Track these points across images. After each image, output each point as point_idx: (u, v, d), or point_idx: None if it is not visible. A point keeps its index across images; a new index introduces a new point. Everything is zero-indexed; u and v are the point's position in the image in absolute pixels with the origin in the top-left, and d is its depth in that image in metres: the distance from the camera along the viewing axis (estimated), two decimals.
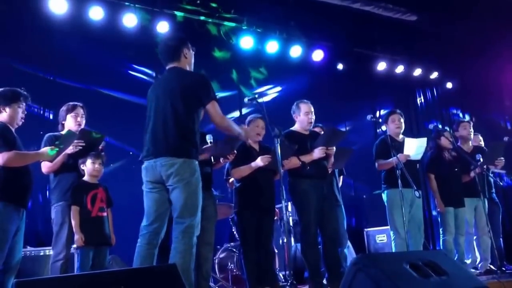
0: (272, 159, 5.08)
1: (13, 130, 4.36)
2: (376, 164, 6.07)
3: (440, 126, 9.74)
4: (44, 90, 6.72)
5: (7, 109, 4.30)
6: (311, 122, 5.60)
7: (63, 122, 4.85)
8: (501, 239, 6.75)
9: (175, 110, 3.88)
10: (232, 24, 8.50)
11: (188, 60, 4.19)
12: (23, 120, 4.44)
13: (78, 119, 4.81)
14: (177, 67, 4.11)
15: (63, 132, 4.74)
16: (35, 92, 6.30)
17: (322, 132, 5.83)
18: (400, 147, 5.90)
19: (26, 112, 4.48)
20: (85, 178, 4.67)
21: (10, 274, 4.16)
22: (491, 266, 6.40)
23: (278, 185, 4.76)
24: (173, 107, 3.89)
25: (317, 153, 5.35)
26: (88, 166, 4.65)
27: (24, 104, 4.43)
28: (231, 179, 5.52)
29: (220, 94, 8.51)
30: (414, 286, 3.40)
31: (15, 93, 4.38)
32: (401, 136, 6.20)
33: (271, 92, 9.24)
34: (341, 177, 6.42)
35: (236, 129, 4.20)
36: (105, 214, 4.65)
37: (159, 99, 3.99)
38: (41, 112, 6.82)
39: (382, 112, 9.96)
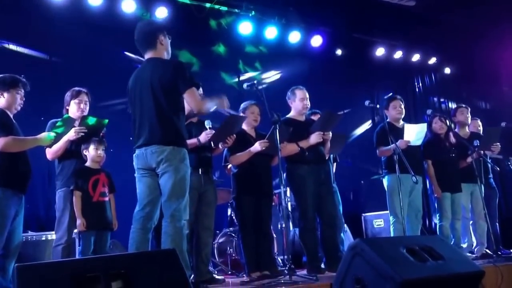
0: (269, 144, 5.12)
1: (11, 115, 4.37)
2: (377, 151, 6.11)
3: (437, 113, 9.76)
4: (44, 76, 6.71)
5: (5, 95, 4.33)
6: (306, 108, 5.64)
7: (67, 107, 4.87)
8: (497, 223, 6.82)
9: (158, 102, 3.94)
10: (231, 9, 8.49)
11: (165, 47, 4.17)
12: (21, 106, 4.46)
13: (82, 105, 4.83)
14: (155, 57, 4.12)
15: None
16: (35, 78, 6.34)
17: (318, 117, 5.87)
18: (400, 133, 5.94)
19: (24, 99, 4.49)
20: (87, 163, 4.70)
21: (10, 258, 4.20)
22: (487, 251, 6.47)
23: (277, 170, 4.79)
24: (156, 98, 3.94)
25: (314, 138, 5.39)
26: (91, 152, 4.68)
27: (22, 91, 4.45)
28: (229, 166, 5.55)
29: (219, 81, 8.55)
30: (411, 270, 3.44)
31: (14, 79, 4.40)
32: (401, 122, 6.24)
33: (270, 78, 9.23)
34: (335, 163, 6.45)
35: (214, 106, 4.22)
36: (106, 199, 4.68)
37: (142, 91, 4.02)
38: (41, 98, 6.81)
39: (381, 97, 9.97)
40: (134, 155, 4.05)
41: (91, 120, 4.68)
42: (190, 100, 3.99)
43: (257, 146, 5.19)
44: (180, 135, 3.99)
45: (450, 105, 10.70)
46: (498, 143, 6.51)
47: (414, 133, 5.92)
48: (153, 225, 4.01)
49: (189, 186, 4.02)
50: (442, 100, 10.89)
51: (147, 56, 4.17)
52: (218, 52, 8.68)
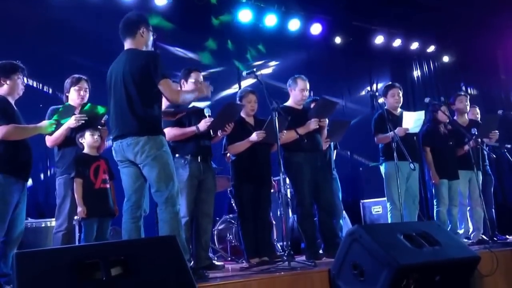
0: (266, 134, 5.13)
1: (13, 103, 4.37)
2: (375, 138, 6.13)
3: (435, 100, 9.79)
4: (43, 63, 6.70)
5: (8, 81, 4.32)
6: (304, 100, 5.67)
7: (67, 94, 4.86)
8: (493, 210, 6.87)
9: (129, 93, 3.92)
10: None
11: (145, 40, 4.15)
12: (23, 91, 4.46)
13: (81, 92, 4.81)
14: (132, 48, 4.11)
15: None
16: (34, 65, 6.33)
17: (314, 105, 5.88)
18: (398, 120, 5.98)
19: (25, 84, 4.49)
20: (86, 151, 4.68)
21: (12, 246, 4.21)
22: (483, 236, 6.53)
23: (275, 158, 4.81)
24: (127, 90, 3.93)
25: (311, 125, 5.41)
26: (88, 139, 4.65)
27: (22, 76, 4.44)
28: (229, 154, 5.57)
29: (218, 68, 8.54)
30: (407, 255, 3.49)
31: (13, 65, 4.39)
32: (399, 109, 6.26)
33: (269, 66, 9.24)
34: (335, 151, 6.48)
35: (194, 95, 4.22)
36: (108, 185, 4.68)
37: (117, 83, 4.02)
38: (40, 85, 6.82)
39: (380, 85, 9.98)
40: (112, 148, 4.07)
41: (92, 108, 4.66)
42: (164, 92, 3.96)
43: (253, 137, 5.21)
44: (153, 124, 3.96)
45: (448, 93, 10.72)
46: (497, 131, 6.55)
47: (413, 121, 5.96)
48: (143, 213, 4.03)
49: (175, 171, 4.01)
50: (440, 88, 10.90)
51: (126, 46, 4.16)
52: (218, 40, 8.67)
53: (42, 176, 6.53)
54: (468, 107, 6.95)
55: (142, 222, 4.03)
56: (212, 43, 8.55)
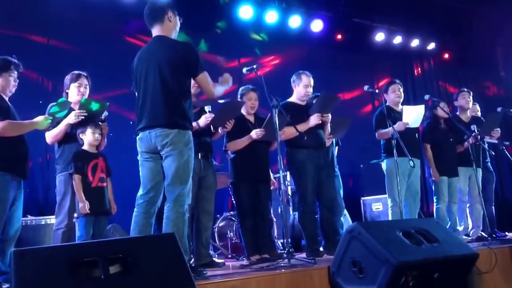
0: (266, 132, 5.12)
1: (6, 99, 4.32)
2: (376, 134, 6.14)
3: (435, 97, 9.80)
4: (43, 57, 6.70)
5: None
6: (307, 96, 5.64)
7: (67, 91, 4.82)
8: (493, 207, 6.87)
9: (165, 82, 3.86)
10: None
11: (173, 25, 4.09)
12: (15, 88, 4.41)
13: (81, 89, 4.78)
14: (162, 36, 4.04)
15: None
16: (33, 60, 6.34)
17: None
18: (399, 116, 5.99)
19: (18, 81, 4.43)
20: (85, 147, 4.64)
21: (9, 243, 4.20)
22: (483, 233, 6.53)
23: (276, 155, 4.80)
24: (162, 79, 3.86)
25: (313, 120, 5.40)
26: (88, 136, 4.60)
27: (15, 72, 4.38)
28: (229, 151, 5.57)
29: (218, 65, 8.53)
30: (406, 252, 3.50)
31: (5, 62, 4.33)
32: (400, 106, 6.27)
33: (270, 63, 9.23)
34: (337, 147, 6.48)
35: (223, 88, 4.19)
36: (105, 184, 4.63)
37: (148, 71, 3.94)
38: (40, 80, 6.81)
39: (380, 82, 9.97)
40: (137, 137, 3.98)
41: (92, 104, 4.61)
42: (204, 85, 3.95)
43: (252, 135, 5.21)
44: (185, 118, 3.91)
45: (448, 90, 10.74)
46: (498, 129, 6.55)
47: (413, 115, 5.97)
48: (157, 209, 3.96)
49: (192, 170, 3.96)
50: (440, 85, 10.90)
51: (154, 32, 4.08)
52: (218, 36, 8.66)
53: (41, 173, 6.52)
54: (470, 104, 6.96)
55: (154, 219, 3.98)
56: (211, 40, 8.53)
